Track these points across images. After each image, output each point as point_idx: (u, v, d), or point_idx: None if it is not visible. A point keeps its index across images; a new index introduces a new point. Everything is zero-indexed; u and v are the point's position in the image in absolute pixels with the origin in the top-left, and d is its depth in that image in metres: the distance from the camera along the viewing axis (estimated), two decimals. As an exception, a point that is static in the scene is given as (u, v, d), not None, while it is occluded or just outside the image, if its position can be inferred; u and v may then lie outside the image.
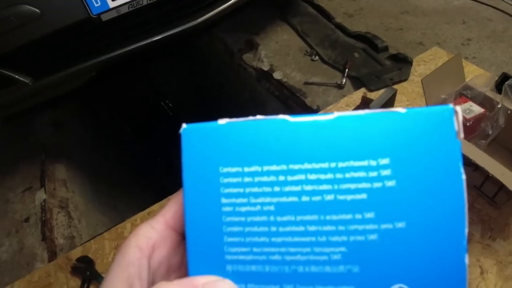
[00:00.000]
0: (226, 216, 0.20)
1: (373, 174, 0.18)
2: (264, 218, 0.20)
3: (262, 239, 0.20)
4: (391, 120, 0.18)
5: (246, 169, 0.20)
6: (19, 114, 1.23)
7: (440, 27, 1.43)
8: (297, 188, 0.19)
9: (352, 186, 0.18)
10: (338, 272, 0.19)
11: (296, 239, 0.19)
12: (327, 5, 1.59)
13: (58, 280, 0.83)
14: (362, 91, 1.09)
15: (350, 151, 0.19)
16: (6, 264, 0.94)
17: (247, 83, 1.40)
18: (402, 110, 0.19)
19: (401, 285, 0.18)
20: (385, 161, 0.18)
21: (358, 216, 0.18)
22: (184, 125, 0.21)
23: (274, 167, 0.19)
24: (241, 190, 0.20)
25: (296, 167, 0.19)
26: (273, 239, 0.19)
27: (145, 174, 1.64)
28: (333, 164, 0.19)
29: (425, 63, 1.16)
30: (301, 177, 0.19)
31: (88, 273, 0.81)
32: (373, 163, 0.18)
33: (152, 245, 0.24)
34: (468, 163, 0.77)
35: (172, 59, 1.74)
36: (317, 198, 0.19)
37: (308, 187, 0.19)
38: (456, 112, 0.18)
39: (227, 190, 0.20)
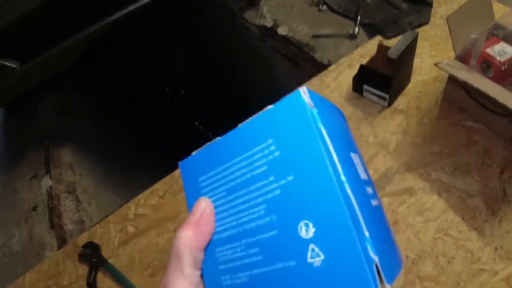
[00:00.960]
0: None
1: (266, 152, 0.26)
2: (222, 200, 0.29)
3: (225, 213, 0.29)
4: (267, 115, 0.27)
5: (208, 174, 0.30)
6: (19, 100, 1.19)
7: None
8: (233, 176, 0.28)
9: (258, 163, 0.26)
10: (265, 223, 0.26)
11: (240, 207, 0.28)
12: None
13: (67, 269, 0.81)
14: (377, 39, 0.97)
15: (250, 144, 0.27)
16: (18, 255, 0.92)
17: (251, 43, 1.29)
18: (270, 106, 0.27)
19: (305, 220, 0.24)
20: (270, 141, 0.26)
21: (265, 181, 0.26)
22: (179, 163, 0.33)
23: (219, 168, 0.29)
24: (210, 187, 0.30)
25: (229, 164, 0.28)
26: (231, 211, 0.28)
27: (158, 149, 1.59)
28: (244, 155, 0.27)
29: (446, 4, 1.01)
30: (233, 168, 0.28)
31: (94, 259, 0.78)
32: (263, 145, 0.26)
33: None
34: (504, 114, 0.66)
35: (171, 28, 1.64)
36: (243, 178, 0.27)
37: (237, 173, 0.28)
38: (302, 91, 0.25)
39: (204, 190, 0.31)
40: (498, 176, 0.66)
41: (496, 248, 0.59)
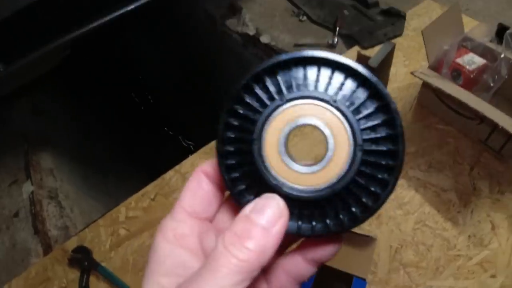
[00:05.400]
0: None
1: None
2: None
3: None
4: None
5: None
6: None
7: (430, -24, 1.36)
8: None
9: None
10: None
11: None
12: (310, -39, 1.49)
13: (57, 274, 0.80)
14: (355, 49, 1.04)
15: None
16: (1, 262, 0.90)
17: (233, 50, 1.32)
18: None
19: None
20: None
21: None
22: None
23: None
24: None
25: None
26: None
27: (136, 154, 1.58)
28: None
29: (418, 17, 1.10)
30: None
31: (86, 263, 0.78)
32: None
33: (179, 235, 0.26)
34: (472, 117, 0.73)
35: (151, 32, 1.64)
36: None
37: None
38: None
39: None
40: (468, 173, 0.73)
41: (469, 236, 0.66)
